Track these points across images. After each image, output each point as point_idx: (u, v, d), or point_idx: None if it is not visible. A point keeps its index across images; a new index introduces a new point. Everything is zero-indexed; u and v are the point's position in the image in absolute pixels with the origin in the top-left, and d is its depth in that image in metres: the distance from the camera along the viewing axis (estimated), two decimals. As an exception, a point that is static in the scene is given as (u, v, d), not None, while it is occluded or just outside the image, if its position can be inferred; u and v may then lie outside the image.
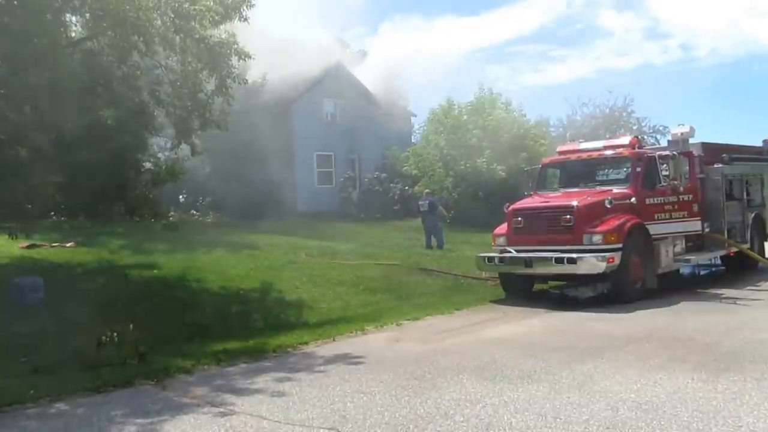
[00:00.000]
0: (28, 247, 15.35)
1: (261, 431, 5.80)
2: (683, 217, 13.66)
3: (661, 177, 13.40)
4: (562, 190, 14.28)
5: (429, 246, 20.07)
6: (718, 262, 16.37)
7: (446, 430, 5.60)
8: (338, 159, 32.22)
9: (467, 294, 14.00)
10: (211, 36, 12.64)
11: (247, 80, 14.53)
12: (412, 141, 35.00)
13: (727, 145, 16.10)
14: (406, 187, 29.87)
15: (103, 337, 9.11)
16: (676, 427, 5.45)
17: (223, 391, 7.26)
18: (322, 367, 8.17)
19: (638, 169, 13.44)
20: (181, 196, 27.16)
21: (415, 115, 37.67)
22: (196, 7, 11.90)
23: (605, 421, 5.63)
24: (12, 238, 12.65)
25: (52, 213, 16.16)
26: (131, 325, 9.48)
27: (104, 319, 9.94)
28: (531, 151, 27.30)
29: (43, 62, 10.36)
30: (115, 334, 9.19)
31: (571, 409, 5.99)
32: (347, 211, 29.55)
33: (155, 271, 14.30)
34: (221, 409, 6.55)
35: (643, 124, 41.11)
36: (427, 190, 22.68)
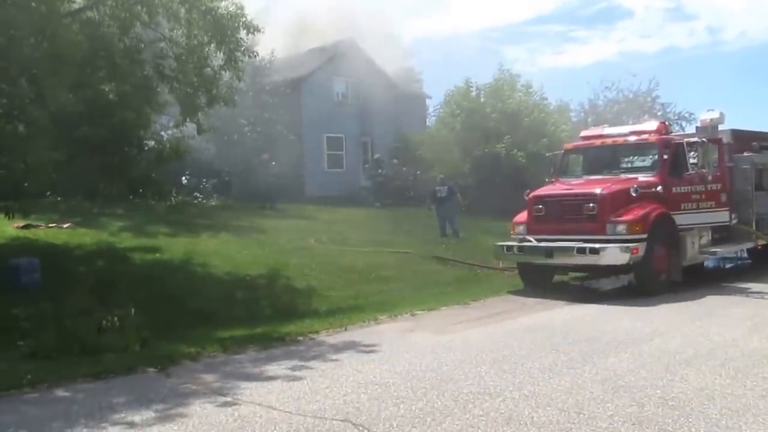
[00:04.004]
0: (24, 227, 15.39)
1: (271, 422, 5.81)
2: (711, 207, 13.60)
3: (688, 165, 13.26)
4: (585, 177, 14.18)
5: (444, 234, 20.04)
6: (744, 255, 16.29)
7: (465, 424, 5.60)
8: (349, 142, 32.09)
9: (484, 284, 14.04)
10: (218, 8, 12.60)
11: (257, 53, 14.45)
12: (427, 124, 34.87)
13: (758, 132, 15.97)
14: (418, 172, 29.79)
15: (104, 322, 9.15)
16: (704, 424, 5.44)
17: (231, 379, 7.30)
18: (333, 357, 8.21)
19: (665, 157, 13.35)
20: (184, 178, 27.14)
21: (430, 97, 37.56)
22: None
23: (631, 417, 5.62)
24: (9, 218, 12.69)
25: (49, 192, 16.24)
26: (133, 310, 9.53)
27: (105, 303, 9.98)
28: (552, 137, 27.17)
29: (41, 32, 10.34)
30: (117, 318, 9.23)
31: (594, 404, 5.99)
32: (358, 196, 29.55)
33: (158, 254, 14.35)
34: (229, 398, 6.58)
35: (668, 110, 40.69)
36: (441, 176, 22.61)
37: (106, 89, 11.79)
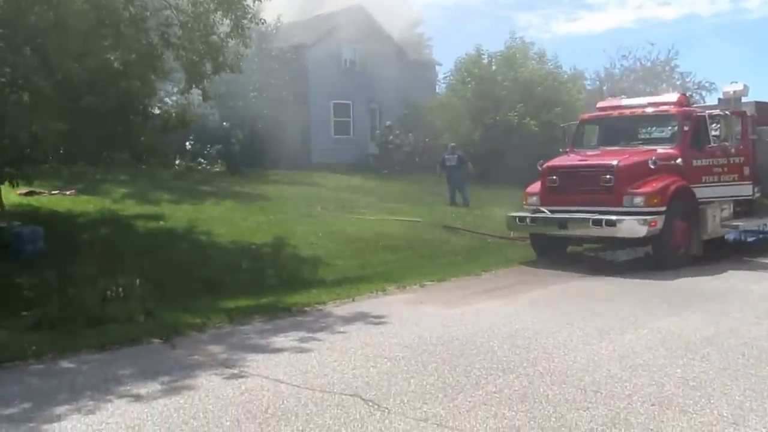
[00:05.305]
0: (27, 194, 15.37)
1: (279, 396, 5.76)
2: (733, 180, 13.42)
3: (710, 137, 13.09)
4: (602, 148, 14.03)
5: (453, 202, 19.99)
6: (767, 229, 16.11)
7: (478, 400, 5.53)
8: (357, 108, 31.90)
9: (495, 255, 13.94)
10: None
11: (264, 20, 14.27)
12: (437, 91, 34.60)
13: (782, 105, 15.70)
14: (427, 139, 29.66)
15: (108, 292, 9.12)
16: (727, 405, 5.33)
17: (237, 351, 7.27)
18: (341, 329, 8.16)
19: (686, 128, 13.15)
20: (187, 143, 27.03)
21: (440, 64, 37.20)
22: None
23: (650, 396, 5.53)
24: (12, 186, 12.65)
25: (50, 157, 16.19)
26: (137, 280, 9.49)
27: (109, 272, 9.93)
28: (566, 106, 26.94)
29: (46, 0, 10.19)
30: (121, 288, 9.20)
31: (612, 383, 5.90)
32: (365, 163, 29.52)
33: (161, 222, 14.32)
34: (235, 370, 6.55)
35: (687, 80, 40.28)
36: (452, 144, 22.48)
37: (111, 58, 11.64)
